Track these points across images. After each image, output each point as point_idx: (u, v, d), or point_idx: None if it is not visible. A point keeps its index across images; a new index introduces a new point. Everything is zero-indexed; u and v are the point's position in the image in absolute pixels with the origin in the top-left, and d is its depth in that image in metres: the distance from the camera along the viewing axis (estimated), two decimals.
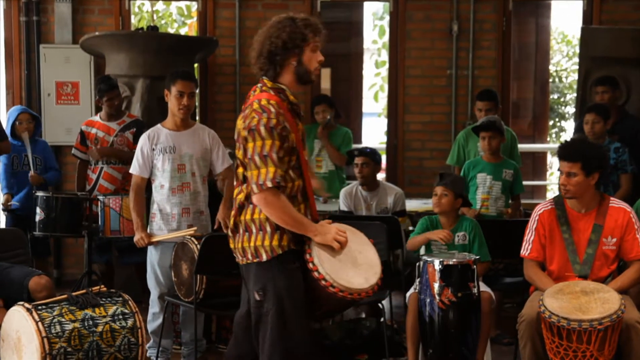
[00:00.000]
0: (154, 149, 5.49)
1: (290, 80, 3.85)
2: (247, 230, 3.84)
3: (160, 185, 5.52)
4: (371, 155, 6.57)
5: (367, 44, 11.23)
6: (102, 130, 6.85)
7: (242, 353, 4.05)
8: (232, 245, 3.95)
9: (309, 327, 3.89)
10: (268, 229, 3.81)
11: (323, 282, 3.73)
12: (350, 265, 3.82)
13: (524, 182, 6.69)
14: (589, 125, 6.51)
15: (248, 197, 3.83)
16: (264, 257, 3.81)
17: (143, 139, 5.55)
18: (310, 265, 3.75)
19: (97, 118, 6.96)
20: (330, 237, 3.78)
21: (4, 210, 6.95)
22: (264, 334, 3.83)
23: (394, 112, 8.52)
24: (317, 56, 3.84)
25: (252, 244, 3.83)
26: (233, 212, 3.92)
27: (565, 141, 5.10)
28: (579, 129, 6.85)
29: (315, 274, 3.73)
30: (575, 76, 9.58)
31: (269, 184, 3.69)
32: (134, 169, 5.55)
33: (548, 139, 10.35)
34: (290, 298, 3.79)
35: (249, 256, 3.85)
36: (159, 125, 5.62)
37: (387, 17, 8.77)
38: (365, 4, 9.87)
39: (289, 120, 3.77)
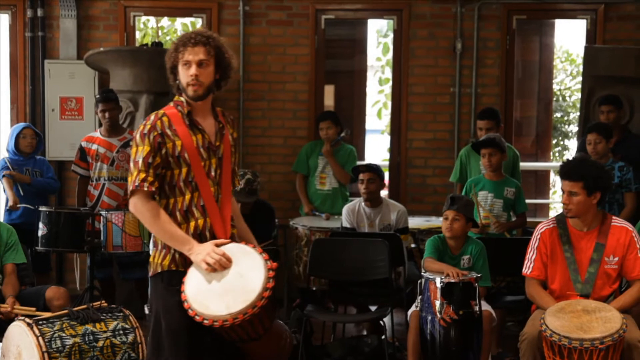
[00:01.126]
0: None
1: (185, 94, 3.83)
2: (155, 244, 3.87)
3: None
4: (377, 171, 6.57)
5: (371, 61, 11.26)
6: (103, 147, 6.86)
7: None
8: None
9: (183, 354, 3.68)
10: (159, 245, 3.82)
11: (185, 304, 3.59)
12: (220, 289, 3.59)
13: (527, 201, 6.68)
14: (591, 146, 6.51)
15: None
16: (150, 273, 3.85)
17: None
18: (183, 294, 3.61)
19: (97, 134, 6.97)
20: (199, 258, 3.64)
21: (8, 211, 6.93)
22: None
23: (397, 129, 8.52)
24: (188, 71, 3.75)
25: (151, 258, 3.86)
26: None
27: (567, 160, 5.11)
28: (581, 147, 6.85)
29: (185, 303, 3.59)
30: (579, 95, 9.59)
31: (131, 187, 3.72)
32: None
33: (551, 157, 10.34)
34: (164, 320, 3.73)
35: (148, 269, 3.90)
36: None
37: (391, 35, 8.79)
38: (370, 21, 9.91)
39: (180, 130, 3.74)
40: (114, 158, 6.84)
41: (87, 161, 6.88)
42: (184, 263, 3.73)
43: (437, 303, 4.98)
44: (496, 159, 6.42)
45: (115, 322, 4.71)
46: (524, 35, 8.85)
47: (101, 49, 7.70)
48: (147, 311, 3.77)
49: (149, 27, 11.08)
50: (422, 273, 5.23)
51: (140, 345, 4.70)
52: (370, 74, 11.40)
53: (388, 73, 10.89)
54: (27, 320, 4.55)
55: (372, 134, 11.60)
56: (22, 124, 7.28)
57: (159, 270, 3.77)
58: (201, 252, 3.65)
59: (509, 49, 8.36)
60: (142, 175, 3.70)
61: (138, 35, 9.59)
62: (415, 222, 7.00)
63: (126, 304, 5.30)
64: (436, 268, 5.24)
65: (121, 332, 4.68)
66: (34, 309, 4.98)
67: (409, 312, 5.35)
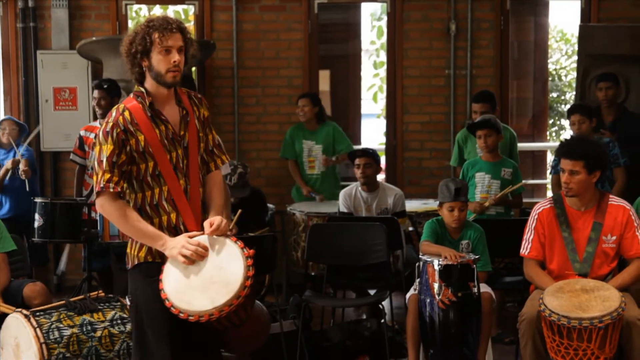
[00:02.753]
0: None
1: (151, 83, 3.71)
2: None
3: None
4: (373, 155, 6.55)
5: (365, 45, 11.21)
6: None
7: None
8: None
9: (166, 345, 3.63)
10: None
11: (167, 302, 3.53)
12: (200, 284, 3.53)
13: (524, 181, 6.66)
14: (575, 126, 6.53)
15: None
16: (129, 265, 3.78)
17: None
18: (162, 292, 3.55)
19: (96, 123, 6.95)
20: (175, 252, 3.57)
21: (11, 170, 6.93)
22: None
23: (392, 112, 8.50)
24: (169, 57, 3.64)
25: (127, 250, 3.80)
26: None
27: (567, 139, 5.09)
28: None
29: (166, 302, 3.53)
30: (574, 74, 9.56)
31: (97, 188, 3.64)
32: None
33: (548, 137, 10.32)
34: (146, 312, 3.69)
35: (126, 262, 3.83)
36: None
37: (385, 18, 8.75)
38: (363, 5, 9.85)
39: (142, 124, 3.65)
40: None
41: (85, 150, 6.86)
42: (161, 254, 3.67)
43: (436, 285, 4.96)
44: (492, 140, 6.39)
45: (113, 312, 4.70)
46: (518, 15, 8.80)
47: (93, 38, 7.67)
48: (128, 303, 3.72)
49: (141, 16, 11.03)
50: (420, 256, 5.21)
51: None
52: (365, 58, 11.36)
53: (383, 56, 10.86)
54: (24, 311, 4.54)
55: (368, 118, 11.57)
56: (3, 117, 7.27)
57: (136, 262, 3.72)
58: (175, 246, 3.58)
59: (504, 30, 8.33)
60: (107, 175, 3.60)
61: (130, 24, 9.53)
62: (412, 205, 6.98)
63: (124, 294, 5.28)
64: (433, 250, 5.22)
65: (119, 321, 4.67)
66: (13, 308, 4.86)
67: (408, 295, 5.34)
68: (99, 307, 4.70)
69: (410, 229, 6.73)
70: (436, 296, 4.97)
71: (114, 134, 3.60)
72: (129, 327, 4.67)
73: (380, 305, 5.67)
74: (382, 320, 5.83)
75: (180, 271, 3.56)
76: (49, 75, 8.10)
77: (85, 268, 6.45)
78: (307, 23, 8.26)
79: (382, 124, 10.27)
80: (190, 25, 10.48)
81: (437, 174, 8.26)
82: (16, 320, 4.52)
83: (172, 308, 3.50)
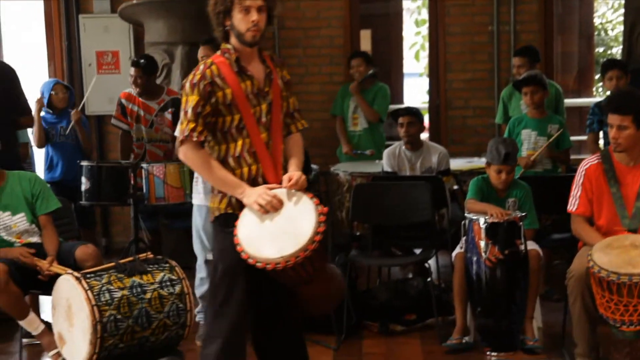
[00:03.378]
0: None
1: (234, 41, 3.81)
2: (211, 190, 3.94)
3: None
4: (416, 114, 6.50)
5: (406, 3, 11.11)
6: (142, 109, 6.84)
7: None
8: None
9: (240, 295, 3.75)
10: (215, 190, 3.88)
11: (238, 247, 3.62)
12: (271, 233, 3.63)
13: (571, 138, 6.58)
14: (613, 81, 6.41)
15: None
16: (211, 218, 3.90)
17: None
18: (235, 238, 3.65)
19: (135, 93, 6.94)
20: (251, 200, 3.68)
21: (48, 169, 7.00)
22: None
23: (435, 71, 8.43)
24: (248, 17, 3.72)
25: (209, 204, 3.94)
26: None
27: (614, 94, 4.99)
28: (632, 81, 6.71)
29: (238, 247, 3.63)
30: (621, 28, 9.38)
31: (180, 136, 3.76)
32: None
33: (594, 93, 10.16)
34: (221, 262, 3.81)
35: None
36: None
37: None
38: None
39: (228, 78, 3.75)
40: (152, 121, 6.82)
41: (128, 119, 6.88)
42: (240, 207, 3.76)
43: (482, 243, 4.94)
44: (538, 97, 6.31)
45: (162, 274, 4.74)
46: None
47: (134, 1, 7.66)
48: (209, 257, 3.84)
49: None
50: (466, 214, 5.18)
51: (187, 296, 4.73)
52: (406, 16, 11.26)
53: (424, 14, 10.74)
54: (76, 274, 4.59)
55: (411, 77, 11.50)
56: (51, 80, 7.29)
57: (217, 214, 3.84)
58: (252, 195, 3.69)
59: None
60: (192, 125, 3.72)
61: None
62: (457, 164, 6.93)
63: (172, 255, 5.34)
64: (479, 208, 5.19)
65: (168, 283, 4.71)
66: (66, 269, 4.89)
67: (454, 253, 5.33)
68: (148, 269, 4.73)
69: (455, 187, 6.68)
70: (483, 254, 4.95)
71: (201, 86, 3.72)
72: (177, 288, 4.71)
73: (427, 264, 5.66)
74: (429, 279, 5.83)
75: (255, 219, 3.67)
76: (91, 39, 8.15)
77: (133, 230, 6.50)
78: None
79: (424, 82, 10.19)
80: None
81: (481, 132, 8.20)
82: (68, 282, 4.58)
83: (242, 253, 3.60)
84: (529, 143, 6.34)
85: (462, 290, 5.16)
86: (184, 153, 3.79)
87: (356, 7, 8.32)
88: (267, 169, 3.81)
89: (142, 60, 6.85)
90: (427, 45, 9.07)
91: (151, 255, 4.89)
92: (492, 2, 8.22)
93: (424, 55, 10.92)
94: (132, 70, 6.84)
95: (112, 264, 4.75)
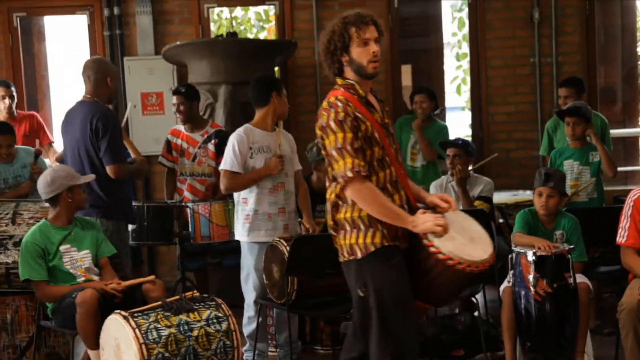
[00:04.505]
0: (251, 148, 5.52)
1: (352, 75, 3.89)
2: (342, 229, 3.90)
3: (256, 184, 5.55)
4: (463, 146, 6.48)
5: (446, 37, 11.12)
6: (186, 142, 6.91)
7: (355, 354, 4.05)
8: (335, 244, 4.02)
9: (413, 322, 3.89)
10: (361, 226, 3.85)
11: (450, 262, 3.73)
12: (466, 241, 3.85)
13: (617, 168, 6.50)
14: None
15: (339, 196, 3.89)
16: (359, 255, 3.86)
17: (238, 138, 5.53)
18: (432, 249, 3.76)
19: (182, 128, 7.01)
20: (430, 225, 3.75)
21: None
22: (370, 331, 3.87)
23: (477, 104, 8.41)
24: (368, 49, 3.82)
25: (347, 241, 3.89)
26: (330, 211, 3.98)
27: None
28: None
29: (440, 255, 3.74)
30: None
31: (349, 174, 3.75)
32: (231, 164, 5.49)
33: (639, 123, 10.05)
34: (391, 294, 3.82)
35: (345, 254, 3.92)
36: (249, 125, 5.64)
37: (466, 9, 8.66)
38: None
39: (362, 112, 3.81)
40: (196, 154, 6.87)
41: (173, 155, 6.95)
42: (393, 238, 3.85)
43: (530, 277, 4.89)
44: (580, 129, 6.30)
45: (208, 311, 4.75)
46: None
47: (177, 42, 7.77)
48: (360, 294, 3.86)
49: (223, 18, 11.17)
50: (513, 247, 5.14)
51: (234, 333, 4.73)
52: (447, 51, 11.27)
53: (465, 48, 10.73)
54: (123, 313, 4.62)
55: (453, 111, 11.48)
56: None
57: (372, 249, 3.84)
58: (426, 221, 3.77)
59: (589, 14, 8.17)
60: (356, 160, 3.76)
61: (213, 27, 9.66)
62: (501, 197, 6.89)
63: (218, 293, 5.35)
64: (526, 242, 5.15)
65: (215, 320, 4.72)
66: (141, 279, 5.10)
67: (501, 287, 5.28)
68: (195, 306, 4.75)
69: (501, 220, 6.63)
70: (531, 288, 4.90)
71: (348, 122, 3.78)
72: (224, 325, 4.72)
73: (474, 299, 5.60)
74: (476, 314, 5.77)
75: (444, 236, 3.81)
76: (135, 80, 8.25)
77: (179, 269, 6.53)
78: (387, 17, 8.22)
79: (467, 116, 10.16)
80: (271, 26, 10.58)
81: (526, 164, 8.15)
82: (116, 321, 4.61)
83: (458, 265, 3.74)
84: (572, 173, 6.30)
85: (511, 324, 5.10)
86: (357, 190, 3.78)
87: (397, 42, 8.35)
88: (409, 196, 3.93)
89: (182, 88, 6.94)
90: (468, 79, 9.06)
91: (197, 294, 4.91)
92: (534, 34, 8.21)
93: (465, 89, 10.89)
94: (174, 99, 6.93)
95: (159, 302, 4.77)
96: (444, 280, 3.86)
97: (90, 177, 5.50)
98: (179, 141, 6.93)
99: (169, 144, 6.97)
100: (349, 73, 3.88)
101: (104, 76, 5.73)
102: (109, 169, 5.60)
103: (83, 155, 5.64)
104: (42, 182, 5.28)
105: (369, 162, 3.82)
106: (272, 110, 5.61)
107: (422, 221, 3.77)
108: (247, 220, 5.54)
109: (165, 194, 7.12)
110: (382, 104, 4.00)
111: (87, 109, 5.67)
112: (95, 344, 4.91)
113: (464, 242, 3.83)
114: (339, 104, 3.80)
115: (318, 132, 3.88)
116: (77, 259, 5.29)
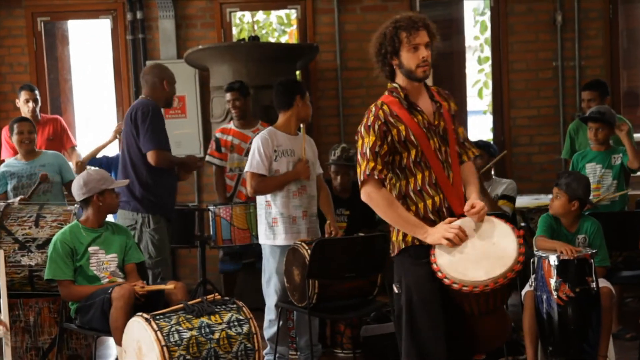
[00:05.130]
0: (275, 151, 5.54)
1: (402, 79, 3.92)
2: (391, 226, 3.97)
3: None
4: (484, 148, 6.47)
5: (468, 41, 11.06)
6: (237, 138, 6.97)
7: None
8: None
9: (440, 324, 3.80)
10: None
11: (440, 274, 3.68)
12: (474, 258, 3.68)
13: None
14: None
15: None
16: (395, 251, 3.93)
17: (263, 140, 5.54)
18: (434, 265, 3.72)
19: (231, 125, 7.06)
20: (437, 237, 3.73)
21: None
22: (401, 329, 3.91)
23: (499, 108, 8.39)
24: (418, 54, 3.85)
25: (392, 238, 3.97)
26: None
27: None
28: None
29: (439, 274, 3.69)
30: None
31: (362, 177, 3.81)
32: (257, 167, 5.50)
33: None
34: (417, 293, 3.82)
35: (391, 250, 3.99)
36: (273, 129, 5.66)
37: (488, 13, 8.64)
38: (465, 0, 9.74)
39: (401, 114, 3.83)
40: (248, 149, 6.90)
41: (222, 152, 6.99)
42: None
43: (552, 281, 4.87)
44: (603, 135, 6.28)
45: (229, 314, 4.76)
46: (628, 2, 8.55)
47: (200, 46, 7.80)
48: (396, 290, 3.90)
49: (245, 22, 11.19)
50: (535, 252, 5.12)
51: (255, 336, 4.73)
52: (469, 54, 11.22)
53: (487, 52, 10.68)
54: (145, 315, 4.64)
55: (474, 115, 11.43)
56: None
57: (403, 246, 3.89)
58: (436, 233, 3.74)
59: (613, 18, 8.13)
60: (372, 164, 3.80)
61: (235, 30, 9.68)
62: (523, 201, 6.86)
63: (240, 296, 5.36)
64: (548, 246, 5.12)
65: (236, 323, 4.73)
66: (162, 286, 5.12)
67: (523, 292, 5.25)
68: (216, 309, 4.76)
69: (523, 224, 6.61)
70: (553, 292, 4.88)
71: (376, 127, 3.81)
72: (245, 328, 4.73)
73: None
74: None
75: (452, 250, 3.71)
76: None
77: (200, 272, 6.56)
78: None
79: (488, 119, 10.12)
80: (293, 29, 10.60)
81: (548, 168, 8.12)
82: (138, 324, 4.63)
83: (445, 279, 3.65)
84: (595, 177, 6.27)
85: (533, 329, 5.07)
86: (368, 193, 3.83)
87: None
88: (452, 199, 3.87)
89: (235, 84, 6.99)
90: (490, 82, 9.03)
91: (219, 297, 4.92)
92: (556, 37, 8.18)
93: (487, 92, 10.85)
94: (228, 96, 7.01)
95: (181, 305, 4.79)
96: (459, 301, 3.78)
97: (124, 182, 5.56)
98: (229, 138, 6.98)
99: (217, 142, 6.99)
100: (399, 76, 3.93)
101: (161, 79, 5.92)
102: (148, 156, 5.65)
103: (125, 149, 5.74)
104: (76, 184, 5.35)
105: (404, 165, 3.86)
106: (295, 113, 5.63)
107: (432, 233, 3.76)
108: (275, 223, 5.55)
109: (217, 192, 7.13)
110: (438, 104, 3.97)
111: (134, 105, 5.88)
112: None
113: (470, 259, 3.69)
114: (373, 109, 3.86)
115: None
116: (104, 262, 5.34)
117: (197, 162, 6.38)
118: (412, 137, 3.82)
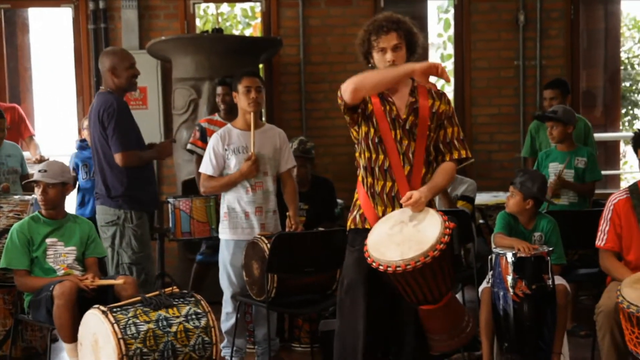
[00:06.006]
0: (226, 149, 5.52)
1: None
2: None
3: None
4: None
5: (432, 38, 11.14)
6: None
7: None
8: None
9: (359, 315, 3.97)
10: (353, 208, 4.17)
11: (369, 259, 3.85)
12: (398, 240, 3.85)
13: None
14: None
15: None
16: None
17: (214, 140, 5.55)
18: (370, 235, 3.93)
19: (217, 117, 6.95)
20: (425, 65, 3.88)
21: (79, 205, 7.01)
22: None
23: (460, 105, 8.44)
24: (385, 57, 4.04)
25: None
26: None
27: None
28: None
29: (365, 253, 3.88)
30: None
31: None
32: (206, 168, 5.54)
33: (620, 127, 10.11)
34: (346, 277, 4.08)
35: None
36: (229, 125, 5.65)
37: (452, 10, 8.69)
38: None
39: (374, 99, 4.08)
40: None
41: (206, 142, 6.91)
42: (362, 222, 4.09)
43: (509, 278, 4.91)
44: (557, 132, 6.35)
45: (187, 307, 4.74)
46: (589, 3, 8.65)
47: (163, 38, 7.76)
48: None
49: (209, 14, 11.14)
50: (493, 248, 5.16)
51: (213, 329, 4.72)
52: (432, 51, 11.28)
53: (450, 49, 10.76)
54: (102, 308, 4.60)
55: None
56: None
57: (346, 232, 4.14)
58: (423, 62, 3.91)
59: (574, 19, 8.23)
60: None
61: (199, 22, 9.63)
62: (482, 198, 6.91)
63: (197, 290, 5.34)
64: (506, 243, 5.17)
65: (194, 316, 4.71)
66: (112, 281, 5.07)
67: (480, 288, 5.29)
68: (174, 302, 4.74)
69: (481, 221, 6.66)
70: (510, 289, 4.92)
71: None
72: (203, 322, 4.71)
73: None
74: None
75: (386, 229, 3.91)
76: None
77: (158, 264, 6.52)
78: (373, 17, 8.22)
79: None
80: (257, 22, 10.57)
81: (507, 166, 8.19)
82: (94, 316, 4.59)
83: (368, 258, 3.84)
84: (555, 176, 6.32)
85: (489, 325, 5.11)
86: (348, 81, 3.99)
87: None
88: (403, 191, 4.00)
89: (228, 79, 6.93)
90: (452, 80, 9.08)
91: (177, 290, 4.90)
92: (518, 37, 8.25)
93: (449, 89, 10.93)
94: (219, 90, 6.93)
95: (138, 298, 4.76)
96: (393, 286, 3.93)
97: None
98: (216, 128, 6.91)
99: (203, 132, 6.82)
100: None
101: (109, 69, 5.74)
102: (116, 158, 5.59)
103: (99, 149, 5.69)
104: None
105: (371, 140, 4.07)
106: (240, 108, 5.62)
107: (418, 64, 3.90)
108: (225, 217, 5.56)
109: (196, 178, 7.05)
110: (414, 100, 4.09)
111: (96, 101, 5.76)
112: (71, 338, 4.89)
113: (394, 240, 3.85)
114: None
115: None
116: (62, 254, 5.29)
117: (169, 148, 6.26)
118: (373, 119, 4.03)
